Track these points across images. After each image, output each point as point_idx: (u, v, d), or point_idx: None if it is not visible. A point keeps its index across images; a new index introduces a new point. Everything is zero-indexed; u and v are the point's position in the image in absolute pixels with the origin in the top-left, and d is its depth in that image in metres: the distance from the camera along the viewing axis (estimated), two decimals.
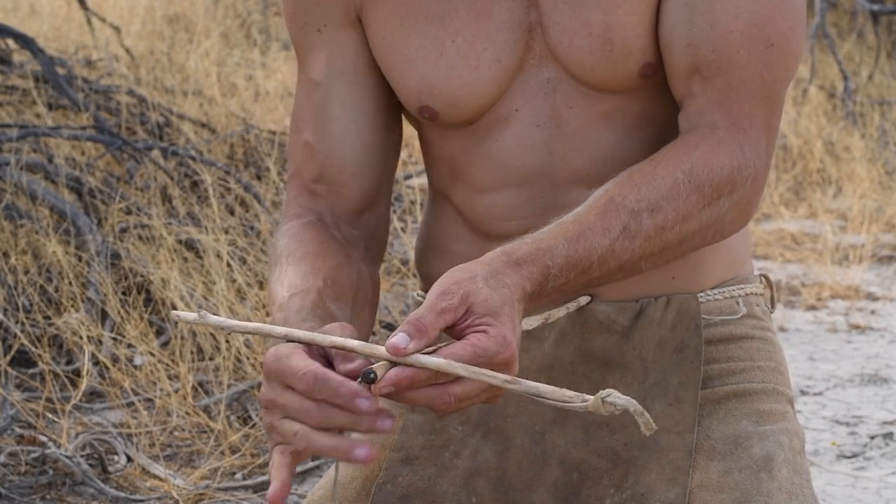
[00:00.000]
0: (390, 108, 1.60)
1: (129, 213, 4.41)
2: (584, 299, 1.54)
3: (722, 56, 1.47)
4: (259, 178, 5.16)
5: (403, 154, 5.93)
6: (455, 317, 1.27)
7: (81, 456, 3.27)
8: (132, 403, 3.57)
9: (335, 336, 1.28)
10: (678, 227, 1.43)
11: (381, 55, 1.56)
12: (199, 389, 3.67)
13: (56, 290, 3.89)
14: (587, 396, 1.22)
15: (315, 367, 1.25)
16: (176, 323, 3.82)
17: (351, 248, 1.56)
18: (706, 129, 1.47)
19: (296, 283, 1.46)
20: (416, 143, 6.51)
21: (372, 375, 1.23)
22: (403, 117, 1.63)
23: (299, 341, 1.29)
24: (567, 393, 1.23)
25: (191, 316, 1.33)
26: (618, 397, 1.21)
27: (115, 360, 3.68)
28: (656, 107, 1.54)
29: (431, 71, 1.53)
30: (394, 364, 1.24)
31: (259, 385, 3.65)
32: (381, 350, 1.25)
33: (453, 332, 1.28)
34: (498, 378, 1.24)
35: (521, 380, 1.24)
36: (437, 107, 1.54)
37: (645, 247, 1.41)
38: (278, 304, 1.44)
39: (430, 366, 1.24)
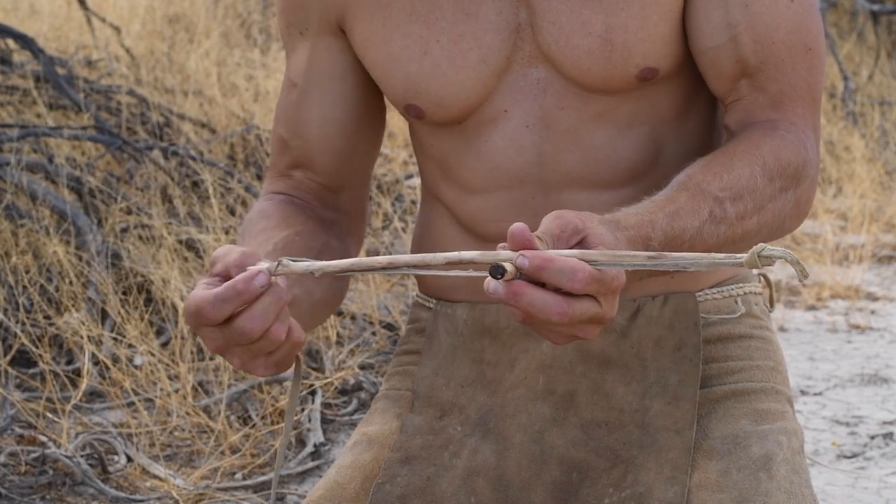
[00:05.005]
0: (368, 110, 1.62)
1: (129, 213, 4.41)
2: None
3: (770, 66, 1.50)
4: (259, 178, 5.16)
5: (403, 154, 5.92)
6: (571, 242, 1.27)
7: (81, 456, 3.27)
8: (132, 403, 3.57)
9: (448, 252, 1.26)
10: (756, 217, 1.44)
11: (366, 55, 1.56)
12: (199, 389, 3.67)
13: (56, 290, 3.89)
14: (739, 255, 1.20)
15: (199, 298, 1.28)
16: (176, 323, 3.82)
17: (327, 225, 1.59)
18: (766, 126, 1.49)
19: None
20: None
21: (502, 269, 1.22)
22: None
23: (406, 265, 1.27)
24: (716, 256, 1.21)
25: (264, 265, 1.30)
26: (772, 249, 1.19)
27: (115, 360, 3.68)
28: (648, 106, 1.54)
29: (416, 70, 1.53)
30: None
31: (260, 386, 3.66)
32: (503, 254, 1.23)
33: None
34: (640, 256, 1.23)
35: (665, 253, 1.22)
36: (423, 105, 1.54)
37: (728, 234, 1.42)
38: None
39: (564, 254, 1.22)
